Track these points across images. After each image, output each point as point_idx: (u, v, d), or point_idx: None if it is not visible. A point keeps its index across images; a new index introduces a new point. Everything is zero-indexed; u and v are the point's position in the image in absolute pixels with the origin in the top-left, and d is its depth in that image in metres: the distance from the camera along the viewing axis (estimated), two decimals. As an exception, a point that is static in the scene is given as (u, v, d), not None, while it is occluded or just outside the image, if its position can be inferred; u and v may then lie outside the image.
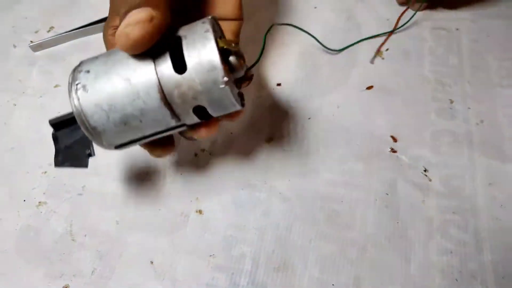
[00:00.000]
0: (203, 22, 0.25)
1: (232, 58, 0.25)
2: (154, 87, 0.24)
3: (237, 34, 0.31)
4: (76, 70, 0.25)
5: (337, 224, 0.36)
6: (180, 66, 0.24)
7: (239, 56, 0.25)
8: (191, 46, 0.23)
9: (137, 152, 0.40)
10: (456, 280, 0.33)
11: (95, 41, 0.47)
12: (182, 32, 0.24)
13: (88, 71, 0.24)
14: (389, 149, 0.39)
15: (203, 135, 0.28)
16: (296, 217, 0.36)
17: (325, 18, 0.47)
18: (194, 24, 0.25)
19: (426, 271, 0.34)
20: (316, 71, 0.44)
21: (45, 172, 0.39)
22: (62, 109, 0.42)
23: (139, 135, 0.26)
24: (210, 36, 0.23)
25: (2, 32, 0.48)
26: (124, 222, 0.36)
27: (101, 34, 0.47)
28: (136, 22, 0.22)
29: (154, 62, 0.24)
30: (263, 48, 0.28)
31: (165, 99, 0.24)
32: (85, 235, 0.36)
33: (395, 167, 0.38)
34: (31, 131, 0.41)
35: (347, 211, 0.36)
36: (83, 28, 0.47)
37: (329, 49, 0.44)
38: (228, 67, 0.25)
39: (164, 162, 0.39)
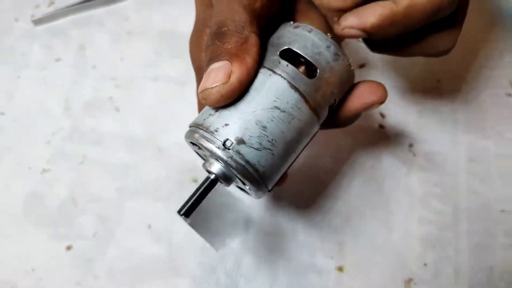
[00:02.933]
0: (296, 27, 0.25)
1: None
2: (300, 100, 0.24)
3: None
4: (205, 133, 0.24)
5: (323, 194, 0.39)
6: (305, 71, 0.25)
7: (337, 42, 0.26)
8: (306, 49, 0.25)
9: (135, 125, 0.43)
10: (433, 247, 0.37)
11: (96, 16, 0.49)
12: (280, 40, 0.25)
13: (227, 124, 0.23)
14: (377, 125, 0.42)
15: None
16: (285, 188, 0.39)
17: None
18: (286, 30, 0.26)
19: (406, 239, 0.37)
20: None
21: (49, 141, 0.42)
22: (64, 83, 0.45)
23: (293, 159, 0.26)
24: (319, 32, 0.25)
25: (4, 6, 0.50)
26: (124, 189, 0.40)
27: (101, 9, 0.50)
28: (214, 85, 0.22)
29: (284, 79, 0.24)
30: None
31: (313, 107, 0.25)
32: (87, 201, 0.39)
33: (381, 142, 0.41)
34: (35, 103, 0.44)
35: (333, 182, 0.40)
36: (84, 3, 0.49)
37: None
38: None
39: (166, 138, 0.42)
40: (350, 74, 0.26)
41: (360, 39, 0.27)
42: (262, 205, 0.39)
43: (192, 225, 0.26)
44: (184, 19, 0.38)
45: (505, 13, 0.48)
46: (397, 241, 0.37)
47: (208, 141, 0.23)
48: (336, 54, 0.25)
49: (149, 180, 0.40)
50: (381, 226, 0.38)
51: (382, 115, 0.43)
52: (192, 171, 0.40)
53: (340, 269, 0.37)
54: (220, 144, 0.23)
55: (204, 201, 0.25)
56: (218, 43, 0.23)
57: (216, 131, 0.23)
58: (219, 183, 0.25)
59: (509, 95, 0.44)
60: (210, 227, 0.30)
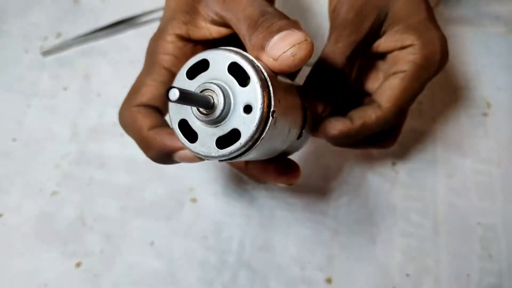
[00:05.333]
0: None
1: None
2: (292, 141, 0.28)
3: None
4: (268, 83, 0.24)
5: (312, 210, 0.43)
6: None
7: None
8: (308, 118, 0.29)
9: (138, 149, 0.47)
10: (414, 258, 0.41)
11: (99, 47, 0.54)
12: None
13: (279, 101, 0.25)
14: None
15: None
16: (277, 205, 0.44)
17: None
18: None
19: (389, 251, 0.41)
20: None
21: (57, 165, 0.46)
22: (71, 110, 0.50)
23: (249, 159, 0.28)
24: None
25: (14, 38, 0.55)
26: (128, 209, 0.44)
27: (104, 41, 0.55)
28: (300, 41, 0.24)
29: (302, 121, 0.28)
30: None
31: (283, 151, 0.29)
32: (94, 220, 0.43)
33: (366, 161, 0.46)
34: (44, 129, 0.49)
35: (323, 199, 0.44)
36: (89, 35, 0.54)
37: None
38: None
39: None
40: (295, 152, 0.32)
41: None
42: (255, 222, 0.43)
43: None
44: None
45: (481, 37, 0.53)
46: (381, 253, 0.41)
47: (268, 95, 0.23)
48: (308, 137, 0.31)
49: (151, 200, 0.44)
50: (366, 239, 0.42)
51: (367, 136, 0.47)
52: (191, 192, 0.45)
53: (328, 280, 0.40)
54: (272, 107, 0.24)
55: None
56: (272, 20, 0.25)
57: (275, 95, 0.24)
58: (198, 110, 0.24)
59: (485, 115, 0.48)
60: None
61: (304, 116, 0.28)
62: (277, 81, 0.25)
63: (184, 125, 0.25)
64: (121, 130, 0.49)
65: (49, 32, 0.55)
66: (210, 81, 0.24)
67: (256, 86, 0.23)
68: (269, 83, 0.24)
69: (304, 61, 0.25)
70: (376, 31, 0.32)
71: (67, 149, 0.47)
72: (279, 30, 0.25)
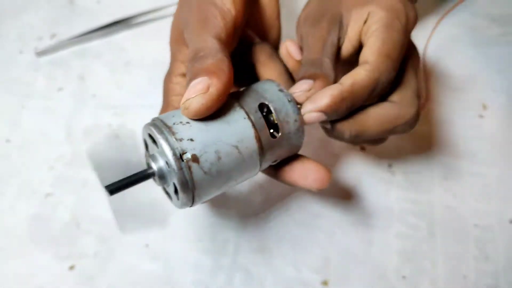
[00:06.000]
0: (281, 90, 0.29)
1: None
2: (256, 151, 0.28)
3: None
4: (169, 137, 0.26)
5: (308, 212, 0.43)
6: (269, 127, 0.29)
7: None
8: (280, 113, 0.29)
9: (133, 150, 0.47)
10: (410, 260, 0.41)
11: (95, 47, 0.54)
12: (264, 94, 0.29)
13: (192, 140, 0.26)
14: (359, 147, 0.47)
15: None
16: (272, 207, 0.43)
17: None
18: (271, 87, 0.30)
19: (385, 252, 0.41)
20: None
21: (52, 167, 0.46)
22: (66, 111, 0.50)
23: (221, 192, 0.29)
24: (295, 105, 0.29)
25: (9, 39, 0.55)
26: (123, 211, 0.44)
27: (99, 41, 0.54)
28: (194, 95, 0.26)
29: (254, 128, 0.28)
30: None
31: (261, 161, 0.29)
32: (88, 222, 0.43)
33: (363, 163, 0.46)
34: (39, 130, 0.48)
35: (318, 201, 0.43)
36: (84, 36, 0.54)
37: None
38: None
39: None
40: (297, 148, 0.31)
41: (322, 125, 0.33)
42: (251, 224, 0.43)
43: (110, 201, 0.31)
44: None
45: (477, 40, 0.53)
46: (377, 255, 0.41)
47: (169, 145, 0.26)
48: (297, 129, 0.29)
49: (146, 203, 0.44)
50: (362, 241, 0.42)
51: (363, 137, 0.47)
52: (186, 193, 0.44)
53: (325, 283, 0.40)
54: (178, 153, 0.26)
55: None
56: (196, 65, 0.27)
57: (181, 140, 0.26)
58: (152, 179, 0.28)
59: (481, 117, 0.48)
60: (124, 209, 0.36)
61: (264, 118, 0.29)
62: (192, 120, 0.27)
63: (165, 190, 0.31)
64: (116, 131, 0.49)
65: (43, 32, 0.55)
66: (149, 154, 0.29)
67: (159, 143, 0.26)
68: (166, 134, 0.26)
69: (199, 114, 0.26)
70: (338, 29, 0.33)
71: (62, 151, 0.47)
72: (193, 77, 0.26)
